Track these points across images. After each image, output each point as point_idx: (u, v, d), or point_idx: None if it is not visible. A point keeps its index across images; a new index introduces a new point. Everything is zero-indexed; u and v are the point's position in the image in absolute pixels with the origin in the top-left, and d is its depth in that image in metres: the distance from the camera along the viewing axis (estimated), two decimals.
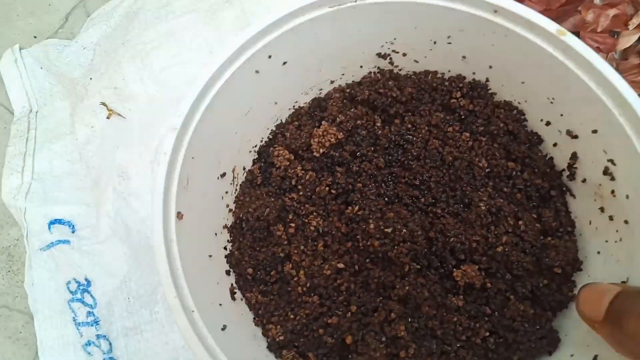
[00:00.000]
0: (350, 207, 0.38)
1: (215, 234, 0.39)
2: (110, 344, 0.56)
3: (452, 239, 0.36)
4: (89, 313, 0.57)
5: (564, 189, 0.39)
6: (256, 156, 0.43)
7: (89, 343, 0.56)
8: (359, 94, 0.41)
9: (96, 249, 0.59)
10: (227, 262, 0.39)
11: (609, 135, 0.33)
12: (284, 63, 0.38)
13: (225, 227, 0.40)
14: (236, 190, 0.41)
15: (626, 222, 0.33)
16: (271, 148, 0.41)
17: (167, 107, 0.64)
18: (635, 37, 0.54)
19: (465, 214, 0.37)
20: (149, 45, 0.66)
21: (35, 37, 0.72)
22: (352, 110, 0.40)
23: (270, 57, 0.37)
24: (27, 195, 0.62)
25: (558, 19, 0.56)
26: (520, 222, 0.37)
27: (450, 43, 0.38)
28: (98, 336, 0.56)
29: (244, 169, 0.42)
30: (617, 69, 0.51)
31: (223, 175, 0.39)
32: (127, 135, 0.63)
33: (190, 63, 0.65)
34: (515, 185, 0.38)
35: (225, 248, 0.39)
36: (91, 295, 0.57)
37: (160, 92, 0.65)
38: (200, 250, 0.36)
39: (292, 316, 0.36)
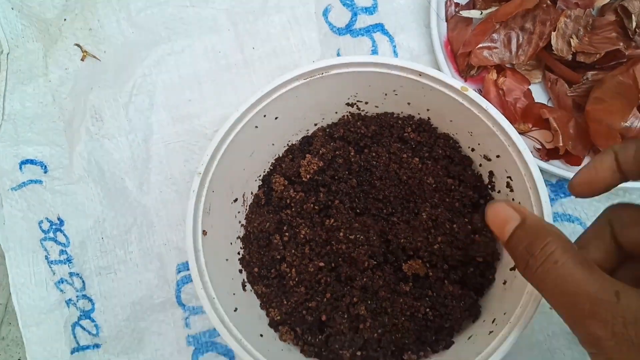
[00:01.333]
0: (328, 220, 0.50)
1: (231, 243, 0.51)
2: (83, 281, 0.57)
3: (403, 240, 0.48)
4: (62, 251, 0.57)
5: (488, 198, 0.51)
6: (261, 183, 0.55)
7: (61, 281, 0.56)
8: (336, 132, 0.53)
9: (69, 189, 0.59)
10: (240, 264, 0.51)
11: (505, 159, 0.45)
12: (276, 118, 0.50)
13: (238, 237, 0.52)
14: (246, 209, 0.54)
15: None
16: (271, 176, 0.53)
17: (142, 49, 0.63)
18: None
19: (413, 221, 0.49)
20: None
21: None
22: (332, 144, 0.52)
23: (265, 116, 0.49)
24: None
25: None
26: (454, 225, 0.48)
27: (396, 94, 0.50)
28: (71, 274, 0.56)
29: (252, 193, 0.54)
30: (593, 24, 0.52)
31: (235, 200, 0.52)
32: (102, 77, 0.63)
33: (167, 5, 0.64)
34: (454, 196, 0.50)
35: (238, 253, 0.52)
36: (64, 235, 0.58)
37: (136, 34, 0.64)
38: (220, 256, 0.49)
39: (285, 302, 0.49)
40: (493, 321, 0.43)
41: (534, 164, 0.43)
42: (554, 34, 0.54)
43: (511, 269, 0.45)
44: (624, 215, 0.33)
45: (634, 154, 0.31)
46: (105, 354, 0.55)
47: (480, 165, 0.50)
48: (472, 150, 0.50)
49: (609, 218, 0.34)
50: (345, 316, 0.47)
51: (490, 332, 0.42)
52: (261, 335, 0.47)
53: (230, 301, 0.46)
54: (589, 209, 0.54)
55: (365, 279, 0.48)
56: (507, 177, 0.46)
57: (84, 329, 0.56)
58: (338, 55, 0.62)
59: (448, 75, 0.46)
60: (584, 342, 0.28)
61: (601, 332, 0.26)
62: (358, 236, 0.48)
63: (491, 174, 0.49)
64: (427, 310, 0.47)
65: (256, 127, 0.49)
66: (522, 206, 0.33)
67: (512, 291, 0.43)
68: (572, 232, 0.54)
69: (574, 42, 0.53)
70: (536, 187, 0.42)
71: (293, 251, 0.50)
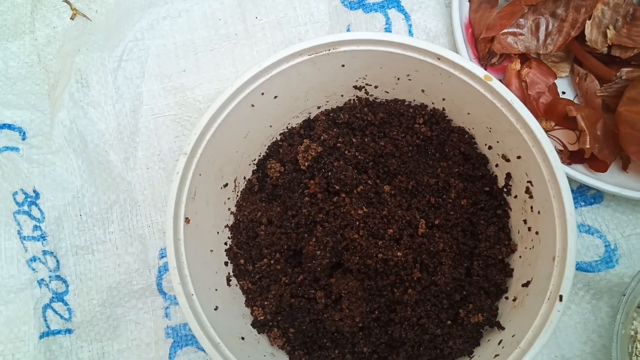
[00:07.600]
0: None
1: (218, 232, 0.47)
2: (57, 261, 0.53)
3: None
4: (36, 227, 0.54)
5: (502, 203, 0.46)
6: (255, 168, 0.51)
7: (34, 259, 0.53)
8: (340, 118, 0.49)
9: (47, 159, 0.55)
10: (227, 255, 0.47)
11: (528, 161, 0.41)
12: (275, 97, 0.46)
13: (226, 226, 0.48)
14: (237, 196, 0.49)
15: (537, 233, 0.42)
16: (267, 161, 0.49)
17: (136, 10, 0.58)
18: None
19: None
20: None
21: None
22: (335, 130, 0.48)
23: (263, 94, 0.45)
24: None
25: None
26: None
27: (410, 79, 0.46)
28: (44, 252, 0.53)
29: (244, 178, 0.50)
30: (633, 14, 0.47)
31: (225, 185, 0.48)
32: (91, 39, 0.59)
33: None
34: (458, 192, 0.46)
35: (225, 243, 0.48)
36: (39, 209, 0.54)
37: None
38: (204, 246, 0.45)
39: (266, 303, 0.45)
40: (499, 342, 0.39)
41: (561, 170, 0.38)
42: (588, 22, 0.50)
43: (523, 285, 0.40)
44: None
45: None
46: (77, 340, 0.52)
47: (497, 165, 0.46)
48: (490, 148, 0.46)
49: None
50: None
51: (496, 355, 0.38)
52: (242, 339, 0.43)
53: (211, 298, 0.43)
54: (611, 221, 0.49)
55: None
56: (528, 182, 0.42)
57: (55, 312, 0.52)
58: (348, 31, 0.57)
59: (470, 62, 0.41)
60: None
61: None
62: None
63: (509, 176, 0.45)
64: (432, 326, 0.43)
65: (252, 105, 0.45)
66: None
67: (523, 310, 0.39)
68: (591, 244, 0.49)
69: (610, 33, 0.49)
70: (561, 196, 0.38)
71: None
